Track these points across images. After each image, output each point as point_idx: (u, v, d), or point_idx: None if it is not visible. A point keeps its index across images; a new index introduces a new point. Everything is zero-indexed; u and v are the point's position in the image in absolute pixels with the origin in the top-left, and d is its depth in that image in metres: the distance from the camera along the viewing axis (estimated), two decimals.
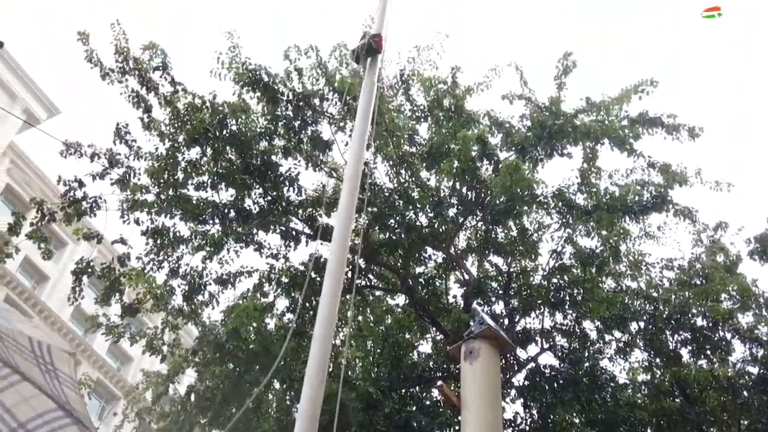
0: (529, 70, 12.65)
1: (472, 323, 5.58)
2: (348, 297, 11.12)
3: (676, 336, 12.78)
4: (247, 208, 12.29)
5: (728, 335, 12.65)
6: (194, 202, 12.07)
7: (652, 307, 12.61)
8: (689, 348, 12.78)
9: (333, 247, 5.20)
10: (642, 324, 12.82)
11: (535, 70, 13.89)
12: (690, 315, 12.43)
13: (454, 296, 13.41)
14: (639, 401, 12.29)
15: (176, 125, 11.74)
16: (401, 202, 12.31)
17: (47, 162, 39.04)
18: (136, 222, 12.17)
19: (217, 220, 12.25)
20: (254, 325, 11.05)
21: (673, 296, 12.67)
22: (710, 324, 12.45)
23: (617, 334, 13.01)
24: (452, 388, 8.47)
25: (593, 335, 12.94)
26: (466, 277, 12.88)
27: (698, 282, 13.10)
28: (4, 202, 36.66)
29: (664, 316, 12.40)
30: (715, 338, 12.61)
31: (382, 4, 7.25)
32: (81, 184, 12.02)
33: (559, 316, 12.88)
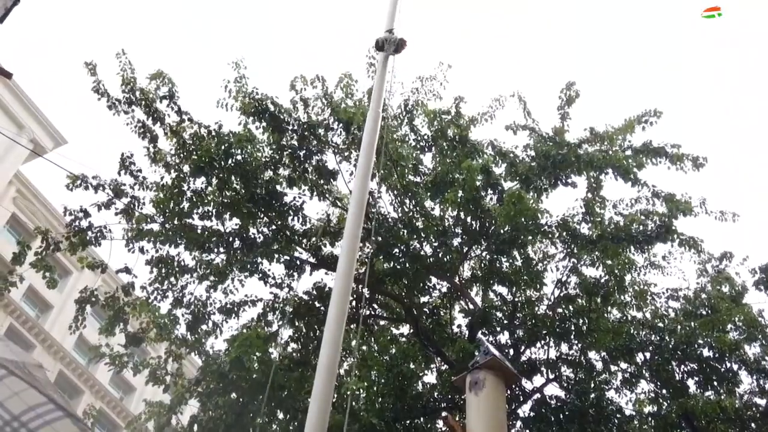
0: (532, 98, 12.73)
1: (477, 353, 5.56)
2: (353, 326, 11.10)
3: (682, 367, 12.67)
4: (252, 236, 12.31)
5: (735, 366, 12.54)
6: (199, 231, 12.10)
7: (658, 338, 12.52)
8: (696, 379, 12.66)
9: (338, 276, 5.21)
10: (648, 355, 12.73)
11: (539, 99, 14.00)
12: (696, 346, 12.34)
13: (459, 326, 13.35)
14: None
15: (182, 155, 11.81)
16: (406, 231, 12.33)
17: (53, 191, 39.32)
18: (141, 251, 12.19)
19: (221, 249, 12.27)
20: (258, 354, 11.00)
21: (679, 327, 12.59)
22: (717, 355, 12.35)
23: (623, 364, 12.91)
24: (457, 419, 8.40)
25: (599, 366, 12.83)
26: (471, 306, 12.83)
27: (704, 312, 13.02)
28: (9, 231, 36.75)
29: (671, 346, 12.31)
30: (722, 369, 12.49)
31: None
32: (86, 214, 12.07)
33: (564, 347, 12.78)
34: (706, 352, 12.42)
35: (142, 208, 12.15)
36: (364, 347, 13.38)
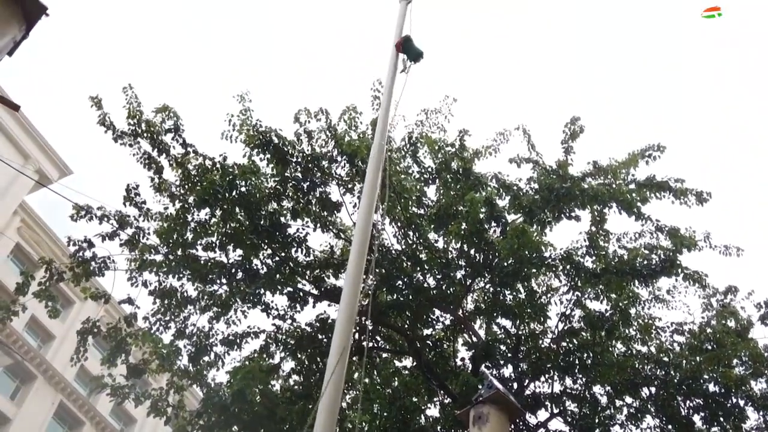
0: (536, 129, 12.79)
1: (480, 387, 5.52)
2: (355, 359, 11.03)
3: (688, 402, 12.55)
4: (255, 267, 12.31)
5: (741, 402, 12.41)
6: (202, 262, 12.10)
7: (664, 372, 12.43)
8: (702, 415, 12.51)
9: (341, 308, 5.18)
10: (653, 389, 12.62)
11: (543, 130, 14.04)
12: (702, 381, 12.23)
13: (462, 359, 13.28)
14: None
15: (186, 186, 11.86)
16: (409, 263, 12.32)
17: (57, 221, 39.37)
18: (144, 284, 12.20)
19: (224, 280, 12.26)
20: (260, 387, 10.93)
21: (684, 361, 12.49)
22: (723, 390, 12.23)
23: (628, 399, 12.80)
24: None
25: (604, 400, 12.72)
26: (474, 339, 12.76)
27: (709, 347, 12.91)
28: (13, 260, 36.82)
29: (676, 381, 12.21)
30: (728, 405, 12.35)
31: (391, 72, 7.40)
32: (90, 244, 12.10)
33: (569, 381, 12.70)
34: (711, 387, 12.30)
35: (146, 239, 12.18)
36: (367, 380, 13.30)
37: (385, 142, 6.62)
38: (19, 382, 36.25)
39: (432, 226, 12.46)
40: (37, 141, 38.68)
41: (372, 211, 6.00)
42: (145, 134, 11.76)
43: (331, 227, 12.76)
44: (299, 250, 12.33)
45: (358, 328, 11.60)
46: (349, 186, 12.39)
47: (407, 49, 7.36)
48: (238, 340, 12.66)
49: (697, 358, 12.36)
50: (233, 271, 12.22)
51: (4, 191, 36.08)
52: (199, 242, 12.11)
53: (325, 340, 12.29)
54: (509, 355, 12.63)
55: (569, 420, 12.49)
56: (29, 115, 37.96)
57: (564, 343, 12.51)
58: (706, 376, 12.25)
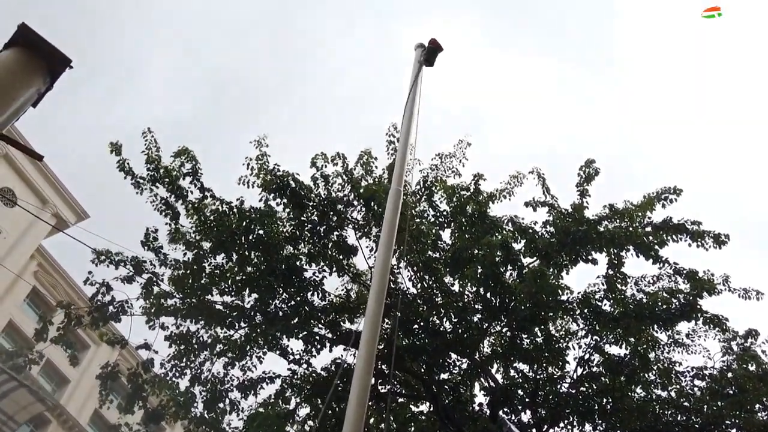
0: (550, 171, 12.78)
1: None
2: (371, 403, 10.91)
3: None
4: (272, 311, 12.29)
5: None
6: (219, 306, 12.11)
7: (684, 418, 12.23)
8: None
9: (360, 353, 5.14)
10: None
11: (557, 173, 14.05)
12: (724, 426, 12.03)
13: (480, 404, 13.11)
14: None
15: (202, 231, 11.92)
16: (425, 307, 12.28)
17: (74, 266, 39.55)
18: (162, 327, 12.21)
19: (243, 324, 12.25)
20: None
21: (706, 406, 12.30)
22: None
23: None
24: None
25: None
26: (492, 384, 12.63)
27: (730, 392, 12.72)
28: (29, 305, 36.94)
29: (697, 427, 12.00)
30: None
31: (408, 114, 7.48)
32: (108, 288, 12.15)
33: (588, 427, 12.49)
34: None
35: (161, 286, 12.22)
36: (383, 425, 13.16)
37: (402, 187, 6.65)
38: (33, 427, 36.05)
39: (448, 269, 12.42)
40: (55, 185, 39.12)
41: (390, 254, 6.00)
42: (164, 179, 11.88)
43: (347, 271, 12.76)
44: (315, 294, 12.32)
45: (375, 372, 11.53)
46: (365, 230, 12.43)
47: (432, 53, 7.52)
48: (253, 386, 12.59)
49: (719, 403, 12.18)
50: (251, 314, 12.22)
51: (22, 235, 36.40)
52: (215, 287, 12.12)
53: (340, 385, 12.20)
54: (527, 400, 12.49)
55: None
56: (47, 159, 38.49)
57: (583, 388, 12.36)
58: (728, 422, 12.06)
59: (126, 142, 12.12)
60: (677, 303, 11.82)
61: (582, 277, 12.91)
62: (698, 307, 11.83)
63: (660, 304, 11.72)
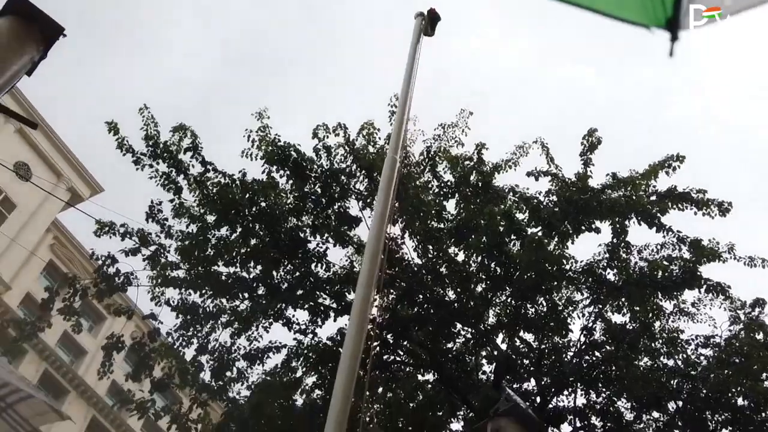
0: (554, 140, 12.68)
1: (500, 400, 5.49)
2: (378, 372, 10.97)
3: (716, 416, 12.32)
4: (276, 282, 12.37)
5: None
6: (224, 278, 12.19)
7: (691, 386, 12.22)
8: (730, 429, 12.29)
9: (352, 317, 5.13)
10: (680, 403, 12.41)
11: (561, 140, 13.92)
12: (730, 394, 12.01)
13: (485, 373, 13.18)
14: None
15: (206, 204, 11.96)
16: (429, 277, 12.29)
17: (89, 238, 39.92)
18: (167, 303, 12.33)
19: (246, 296, 12.34)
20: (280, 401, 10.96)
21: (712, 375, 12.28)
22: (752, 404, 11.99)
23: (654, 413, 12.60)
24: None
25: (629, 415, 12.54)
26: (497, 353, 12.67)
27: (737, 360, 12.68)
28: (46, 277, 37.40)
29: (703, 395, 12.00)
30: (757, 419, 12.11)
31: (406, 83, 7.43)
32: (113, 260, 12.27)
33: (592, 395, 12.54)
34: (740, 401, 12.08)
35: (167, 256, 12.32)
36: (390, 394, 13.27)
37: (398, 156, 6.62)
38: (52, 397, 36.69)
39: (452, 240, 12.42)
40: (69, 159, 39.40)
41: (384, 222, 5.96)
42: (164, 155, 11.91)
43: (350, 242, 12.78)
44: (319, 265, 12.37)
45: (379, 341, 11.62)
46: (368, 201, 12.42)
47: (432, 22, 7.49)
48: (260, 355, 12.71)
49: (725, 372, 12.15)
50: (255, 285, 12.30)
51: (38, 209, 36.78)
52: (220, 259, 12.20)
53: None
54: (532, 368, 12.54)
55: None
56: (60, 133, 38.71)
57: (587, 357, 12.37)
58: (734, 390, 12.04)
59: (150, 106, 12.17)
60: (677, 270, 11.75)
61: (587, 249, 12.88)
62: (698, 274, 11.76)
63: (660, 271, 11.66)
